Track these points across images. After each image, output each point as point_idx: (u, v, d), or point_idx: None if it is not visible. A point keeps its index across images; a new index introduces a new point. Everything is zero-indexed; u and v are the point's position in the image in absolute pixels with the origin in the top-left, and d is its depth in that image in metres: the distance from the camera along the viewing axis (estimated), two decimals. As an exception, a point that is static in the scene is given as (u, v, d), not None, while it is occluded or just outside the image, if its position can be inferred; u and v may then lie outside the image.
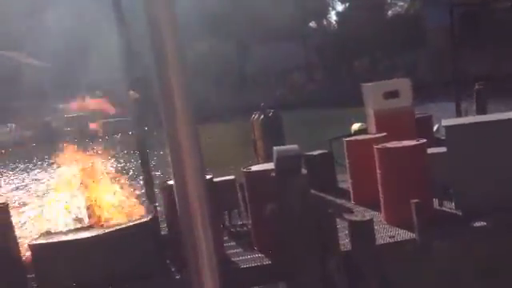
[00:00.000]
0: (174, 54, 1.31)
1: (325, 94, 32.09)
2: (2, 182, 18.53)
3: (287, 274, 5.45)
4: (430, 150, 6.66)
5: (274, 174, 5.64)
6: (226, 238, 6.74)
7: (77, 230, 6.46)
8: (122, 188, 7.05)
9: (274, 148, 6.01)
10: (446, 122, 6.75)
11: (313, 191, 6.59)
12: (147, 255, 6.00)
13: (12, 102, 38.35)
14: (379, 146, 6.67)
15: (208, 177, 6.35)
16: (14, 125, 35.95)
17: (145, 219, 6.22)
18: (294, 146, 6.10)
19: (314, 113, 23.76)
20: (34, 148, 32.02)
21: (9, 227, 5.99)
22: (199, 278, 1.38)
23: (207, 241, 1.39)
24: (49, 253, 5.95)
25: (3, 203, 6.16)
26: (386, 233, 6.10)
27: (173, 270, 6.07)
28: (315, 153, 8.72)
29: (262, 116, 10.39)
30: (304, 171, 5.80)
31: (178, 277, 5.96)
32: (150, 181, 7.53)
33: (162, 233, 6.57)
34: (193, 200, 1.40)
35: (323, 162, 8.45)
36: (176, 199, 1.36)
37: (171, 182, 6.14)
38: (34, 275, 6.02)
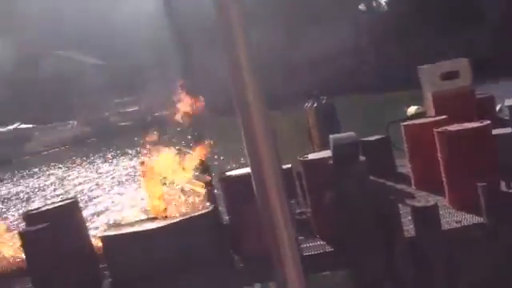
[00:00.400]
0: (244, 49, 1.36)
1: (377, 77, 31.43)
2: (73, 176, 19.48)
3: (351, 261, 5.45)
4: (495, 131, 6.43)
5: (331, 162, 5.64)
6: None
7: (142, 221, 6.71)
8: (185, 179, 7.23)
9: (330, 136, 5.99)
10: (509, 102, 6.49)
11: (372, 177, 6.52)
12: (210, 245, 6.16)
13: (72, 100, 39.97)
14: (440, 130, 6.51)
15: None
16: (75, 121, 37.44)
17: (206, 210, 6.37)
18: (351, 133, 6.06)
19: (368, 97, 23.34)
20: (94, 143, 33.32)
21: (80, 220, 6.31)
22: (282, 266, 1.42)
23: (288, 229, 1.43)
24: (118, 243, 6.22)
25: (73, 198, 6.49)
26: (451, 217, 5.96)
27: (235, 258, 6.20)
28: (372, 138, 8.60)
29: (316, 104, 10.35)
30: (362, 158, 5.76)
31: (241, 265, 6.09)
32: (208, 171, 7.68)
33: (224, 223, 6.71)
34: (271, 188, 1.43)
35: (381, 148, 8.33)
36: (255, 189, 1.41)
37: (230, 173, 6.23)
38: (105, 265, 6.33)
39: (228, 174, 6.37)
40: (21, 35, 40.24)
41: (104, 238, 6.29)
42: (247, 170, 6.29)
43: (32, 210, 6.20)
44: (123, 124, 36.26)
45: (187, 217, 6.35)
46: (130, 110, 38.23)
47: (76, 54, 46.74)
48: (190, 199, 7.06)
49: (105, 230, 6.47)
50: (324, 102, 10.13)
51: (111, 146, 28.04)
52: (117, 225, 6.59)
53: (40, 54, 42.32)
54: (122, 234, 6.29)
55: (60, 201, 6.53)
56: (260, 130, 1.37)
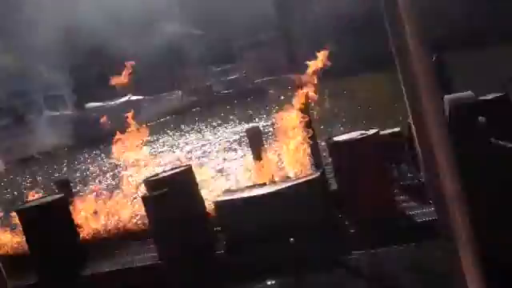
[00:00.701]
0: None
1: (489, 29, 28.97)
2: (183, 144, 20.47)
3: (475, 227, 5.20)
4: None
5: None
6: (396, 192, 6.64)
7: (252, 186, 6.91)
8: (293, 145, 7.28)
9: (446, 97, 5.67)
10: None
11: (492, 140, 6.12)
12: (318, 210, 6.21)
13: (176, 71, 41.64)
14: None
15: (373, 131, 6.27)
16: (180, 91, 39.02)
17: (314, 175, 6.40)
18: (468, 93, 5.69)
19: (479, 51, 21.67)
20: (199, 111, 34.63)
21: (195, 186, 6.64)
22: (453, 229, 1.38)
23: (456, 192, 1.39)
24: (230, 208, 6.49)
25: (188, 165, 6.83)
26: None
27: (346, 224, 6.20)
28: (489, 97, 8.02)
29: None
30: (482, 119, 5.41)
31: (352, 231, 6.08)
32: (314, 137, 7.67)
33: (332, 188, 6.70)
34: (438, 153, 1.39)
35: (500, 106, 7.74)
36: (421, 157, 1.37)
37: (339, 138, 6.15)
38: (219, 228, 6.64)
39: (337, 138, 6.31)
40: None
41: (217, 204, 6.58)
42: (356, 134, 6.20)
43: (151, 177, 6.63)
44: (225, 92, 37.18)
45: (296, 182, 6.44)
46: (230, 77, 39.05)
47: (177, 25, 48.30)
48: (297, 165, 7.12)
49: (217, 196, 6.76)
50: (434, 59, 9.58)
51: (215, 113, 28.94)
52: (228, 190, 6.85)
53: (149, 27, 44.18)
54: (233, 200, 6.54)
55: (175, 167, 6.91)
56: (425, 94, 1.33)
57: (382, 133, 6.45)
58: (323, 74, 7.35)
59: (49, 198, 7.16)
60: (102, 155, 23.34)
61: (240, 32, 44.06)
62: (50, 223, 6.75)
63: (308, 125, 7.64)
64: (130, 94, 40.79)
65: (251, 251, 6.33)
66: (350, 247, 6.07)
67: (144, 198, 6.30)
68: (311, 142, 7.71)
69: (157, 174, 6.74)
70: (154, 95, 39.99)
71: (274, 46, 40.49)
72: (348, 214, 6.20)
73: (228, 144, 14.49)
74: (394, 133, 6.87)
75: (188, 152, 16.61)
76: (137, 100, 39.32)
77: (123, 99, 39.95)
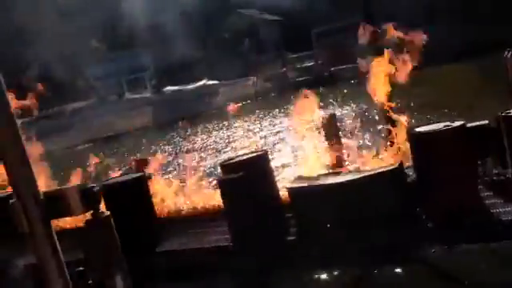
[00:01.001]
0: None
1: None
2: (258, 129, 20.66)
3: None
4: None
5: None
6: (480, 188, 6.30)
7: (327, 174, 6.82)
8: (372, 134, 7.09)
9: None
10: None
11: None
12: (395, 202, 6.02)
13: (252, 56, 41.94)
14: None
15: (459, 122, 5.96)
16: (255, 77, 39.26)
17: (393, 166, 6.20)
18: None
19: None
20: (274, 97, 34.70)
21: (270, 171, 6.66)
22: None
23: None
24: (303, 195, 6.45)
25: (264, 150, 6.85)
26: None
27: (423, 217, 5.97)
28: None
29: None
30: None
31: (429, 225, 5.85)
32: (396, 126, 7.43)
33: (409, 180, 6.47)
34: None
35: None
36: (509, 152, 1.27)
37: (421, 129, 5.89)
38: (292, 215, 6.63)
39: (419, 129, 6.06)
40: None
41: (291, 190, 6.56)
42: (440, 125, 5.93)
43: (227, 160, 6.72)
44: (301, 79, 36.96)
45: (373, 172, 6.27)
46: (306, 65, 38.75)
47: (256, 11, 48.53)
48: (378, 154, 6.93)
49: (291, 182, 6.73)
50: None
51: (290, 100, 28.87)
52: (301, 177, 6.80)
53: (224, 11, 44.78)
54: (308, 187, 6.49)
55: (251, 152, 6.95)
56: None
57: (468, 125, 6.13)
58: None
59: (129, 176, 7.47)
60: (179, 137, 24.05)
61: (318, 18, 43.48)
62: (130, 200, 7.04)
63: (390, 113, 7.42)
64: (206, 78, 41.68)
65: (323, 240, 6.27)
66: (428, 242, 5.86)
67: (219, 181, 6.40)
68: (391, 132, 7.48)
69: (232, 158, 6.83)
70: (229, 80, 40.56)
71: (354, 32, 39.69)
72: (427, 207, 5.96)
73: (302, 130, 14.42)
74: (481, 126, 6.49)
75: (262, 137, 16.73)
76: (213, 84, 40.10)
77: (199, 83, 40.90)
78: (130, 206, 7.03)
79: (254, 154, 6.65)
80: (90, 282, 1.01)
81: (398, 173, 6.10)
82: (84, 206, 1.28)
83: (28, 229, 1.21)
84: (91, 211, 1.32)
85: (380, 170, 6.19)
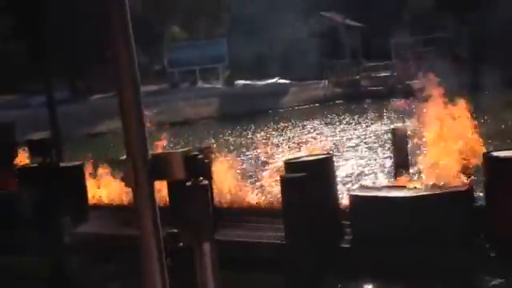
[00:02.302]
0: None
1: None
2: (327, 133, 20.56)
3: None
4: None
5: None
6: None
7: (390, 187, 6.73)
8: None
9: None
10: None
11: None
12: (459, 224, 5.86)
13: (329, 60, 41.61)
14: None
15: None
16: (327, 81, 38.99)
17: (461, 188, 6.03)
18: None
19: None
20: (343, 104, 34.33)
21: (332, 175, 6.66)
22: None
23: None
24: (364, 205, 6.40)
25: (329, 153, 6.86)
26: None
27: (486, 245, 5.77)
28: None
29: None
30: None
31: (491, 254, 5.64)
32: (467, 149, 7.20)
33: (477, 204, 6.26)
34: None
35: None
36: None
37: (497, 154, 5.71)
38: (348, 222, 6.60)
39: (496, 153, 5.85)
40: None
41: (352, 197, 6.53)
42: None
43: (292, 159, 6.79)
44: (373, 88, 36.32)
45: (438, 191, 6.13)
46: (381, 74, 37.96)
47: (336, 15, 48.12)
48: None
49: (353, 190, 6.70)
50: None
51: (361, 109, 28.52)
52: (364, 186, 6.75)
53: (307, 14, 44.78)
54: (370, 197, 6.44)
55: (316, 154, 6.98)
56: None
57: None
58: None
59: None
60: (247, 131, 24.33)
61: (399, 29, 42.49)
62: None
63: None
64: (278, 77, 41.86)
65: (377, 251, 6.21)
66: (486, 270, 5.66)
67: (282, 178, 6.47)
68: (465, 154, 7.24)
69: (297, 158, 6.88)
70: (301, 81, 40.54)
71: (439, 47, 38.46)
72: (491, 235, 5.75)
73: (371, 140, 14.25)
74: None
75: (329, 141, 16.63)
76: (284, 84, 40.23)
77: (271, 81, 41.14)
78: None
79: (320, 157, 6.67)
80: (180, 244, 1.10)
81: (466, 195, 5.92)
82: (186, 172, 1.32)
83: (134, 185, 1.29)
84: (192, 178, 1.36)
85: (447, 190, 6.03)
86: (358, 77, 39.65)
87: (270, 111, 33.75)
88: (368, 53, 45.11)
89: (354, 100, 34.90)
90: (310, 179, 6.20)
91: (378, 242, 6.18)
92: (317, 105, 35.69)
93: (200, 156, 1.35)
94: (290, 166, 6.59)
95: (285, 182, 6.41)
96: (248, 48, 44.38)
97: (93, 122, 31.11)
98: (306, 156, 6.96)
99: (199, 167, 1.38)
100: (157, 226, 1.29)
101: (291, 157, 7.10)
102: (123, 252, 6.47)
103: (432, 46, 39.15)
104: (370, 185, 6.94)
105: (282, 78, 42.78)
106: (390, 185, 6.92)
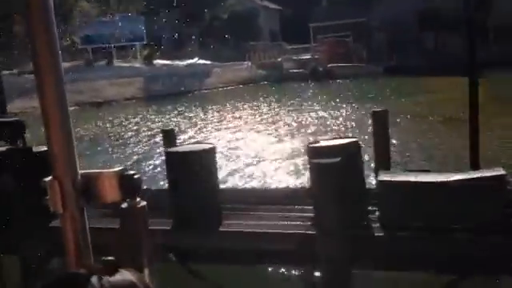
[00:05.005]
0: None
1: None
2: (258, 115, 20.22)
3: None
4: None
5: None
6: None
7: (416, 171, 6.53)
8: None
9: None
10: None
11: None
12: (493, 211, 5.79)
13: (248, 42, 41.32)
14: None
15: None
16: (249, 63, 38.76)
17: (496, 173, 5.96)
18: None
19: None
20: (267, 86, 34.31)
21: (360, 160, 6.32)
22: None
23: None
24: (392, 190, 6.14)
25: (355, 137, 6.47)
26: None
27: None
28: None
29: None
30: None
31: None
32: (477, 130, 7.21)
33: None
34: None
35: None
36: None
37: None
38: (375, 208, 6.32)
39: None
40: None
41: (380, 182, 6.24)
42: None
43: (316, 142, 6.34)
44: (296, 71, 36.71)
45: (471, 177, 6.02)
46: (303, 57, 38.49)
47: (255, -4, 47.79)
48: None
49: (380, 175, 6.41)
50: None
51: (287, 90, 28.58)
52: (392, 172, 6.49)
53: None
54: (399, 182, 6.18)
55: (340, 137, 6.58)
56: None
57: None
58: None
59: (199, 147, 6.98)
60: (173, 112, 23.36)
61: (319, 13, 43.19)
62: (199, 170, 6.56)
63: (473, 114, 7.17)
64: (197, 57, 40.86)
65: (406, 238, 6.00)
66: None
67: (311, 164, 5.99)
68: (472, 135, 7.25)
69: (318, 141, 6.44)
70: (222, 62, 39.94)
71: (354, 32, 39.62)
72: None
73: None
74: None
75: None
76: (204, 64, 39.36)
77: (190, 61, 40.07)
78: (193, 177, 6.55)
79: (347, 141, 6.28)
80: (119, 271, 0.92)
81: (500, 181, 5.85)
82: (121, 193, 1.19)
83: (61, 210, 1.16)
84: (127, 199, 1.22)
85: (479, 175, 5.92)
86: (279, 59, 39.89)
87: (195, 92, 32.86)
88: (287, 36, 45.48)
89: (279, 82, 35.04)
90: (341, 164, 5.80)
91: (408, 229, 5.97)
92: (241, 86, 35.32)
93: (136, 175, 1.22)
94: (316, 150, 6.13)
95: (316, 168, 5.95)
96: (166, 27, 42.80)
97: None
98: (330, 139, 6.53)
99: (135, 187, 1.23)
100: (88, 254, 1.17)
101: (313, 140, 6.61)
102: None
103: (350, 30, 40.35)
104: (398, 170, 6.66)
105: (201, 59, 41.86)
106: (414, 169, 6.71)
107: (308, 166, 6.79)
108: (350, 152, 6.19)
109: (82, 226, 1.17)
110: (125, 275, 0.92)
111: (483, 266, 5.78)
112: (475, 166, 7.19)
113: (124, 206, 1.23)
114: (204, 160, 6.52)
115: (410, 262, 5.94)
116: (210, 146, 6.77)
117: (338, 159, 5.76)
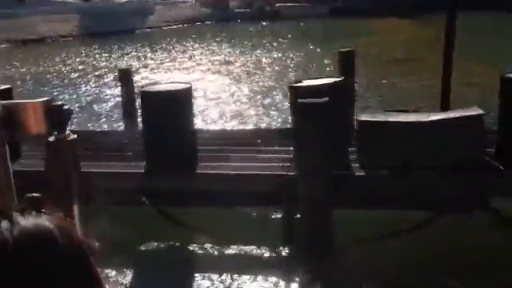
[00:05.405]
0: None
1: None
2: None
3: None
4: None
5: None
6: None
7: (393, 111, 6.54)
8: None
9: None
10: None
11: None
12: (469, 149, 5.93)
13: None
14: None
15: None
16: (194, 1, 37.31)
17: (475, 112, 6.06)
18: None
19: None
20: (211, 25, 33.31)
21: (349, 100, 6.21)
22: None
23: None
24: (374, 130, 6.13)
25: (342, 78, 6.32)
26: None
27: (498, 166, 5.95)
28: None
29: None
30: None
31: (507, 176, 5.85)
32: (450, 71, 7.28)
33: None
34: None
35: None
36: None
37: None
38: (354, 149, 6.31)
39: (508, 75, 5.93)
40: None
41: (360, 122, 6.20)
42: None
43: (298, 82, 6.15)
44: (241, 10, 35.77)
45: (450, 116, 6.10)
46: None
47: None
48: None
49: (360, 116, 6.37)
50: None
51: (231, 30, 27.80)
52: (372, 112, 6.46)
53: None
54: (378, 122, 6.17)
55: (331, 77, 6.40)
56: None
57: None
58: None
59: (175, 86, 6.61)
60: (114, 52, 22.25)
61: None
62: (176, 111, 6.25)
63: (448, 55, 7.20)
64: (137, -7, 38.72)
65: (385, 178, 6.07)
66: (501, 191, 5.89)
67: (298, 104, 5.80)
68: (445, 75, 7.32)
69: (300, 81, 6.25)
70: (165, 0, 38.16)
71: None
72: (506, 159, 5.93)
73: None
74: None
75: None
76: (145, 1, 37.44)
77: (133, -2, 37.92)
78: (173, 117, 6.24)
79: (338, 79, 6.14)
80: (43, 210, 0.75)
81: (477, 120, 5.97)
82: (48, 125, 1.08)
83: None
84: (55, 132, 1.18)
85: (463, 114, 6.01)
86: (225, -2, 38.52)
87: (138, 31, 31.41)
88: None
89: (225, 21, 34.09)
90: (329, 104, 5.67)
91: (389, 168, 6.03)
92: (186, 25, 34.08)
93: (66, 106, 1.05)
94: (301, 90, 5.95)
95: (302, 108, 5.78)
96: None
97: None
98: (313, 79, 6.36)
99: (64, 119, 1.22)
100: (11, 194, 1.08)
101: (295, 80, 6.41)
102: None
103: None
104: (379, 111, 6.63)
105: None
106: (391, 109, 6.71)
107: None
108: (337, 91, 6.07)
109: (3, 162, 1.05)
110: (40, 219, 0.72)
111: (457, 203, 5.98)
112: (446, 106, 7.31)
113: (51, 139, 1.07)
114: (181, 100, 6.20)
115: (387, 200, 6.05)
116: (187, 85, 6.43)
117: (327, 99, 5.62)
